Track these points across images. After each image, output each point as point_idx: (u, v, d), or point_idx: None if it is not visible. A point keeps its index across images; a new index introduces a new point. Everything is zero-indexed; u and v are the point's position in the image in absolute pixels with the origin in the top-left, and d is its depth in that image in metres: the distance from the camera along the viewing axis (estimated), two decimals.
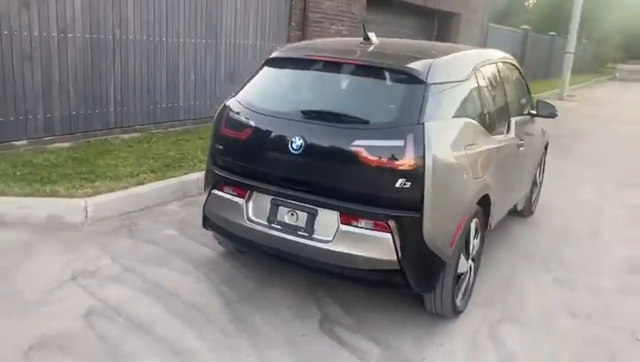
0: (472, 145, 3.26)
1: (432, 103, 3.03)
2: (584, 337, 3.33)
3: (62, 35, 5.78)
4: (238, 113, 3.37)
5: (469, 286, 3.49)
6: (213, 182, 3.44)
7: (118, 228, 4.34)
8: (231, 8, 7.80)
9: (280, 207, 3.18)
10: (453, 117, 3.22)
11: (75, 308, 3.15)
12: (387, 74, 3.15)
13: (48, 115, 5.82)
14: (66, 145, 5.96)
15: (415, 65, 3.10)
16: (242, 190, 3.29)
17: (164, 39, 6.91)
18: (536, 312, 3.58)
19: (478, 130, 3.41)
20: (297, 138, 3.04)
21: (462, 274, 3.32)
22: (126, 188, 4.80)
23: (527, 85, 4.87)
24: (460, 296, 3.36)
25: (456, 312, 3.34)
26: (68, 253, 3.86)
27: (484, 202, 3.46)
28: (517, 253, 4.56)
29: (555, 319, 3.52)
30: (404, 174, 2.86)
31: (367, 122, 3.03)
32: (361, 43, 3.60)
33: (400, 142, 2.87)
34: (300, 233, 3.10)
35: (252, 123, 3.28)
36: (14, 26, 5.36)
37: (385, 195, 2.91)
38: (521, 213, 5.32)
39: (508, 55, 4.54)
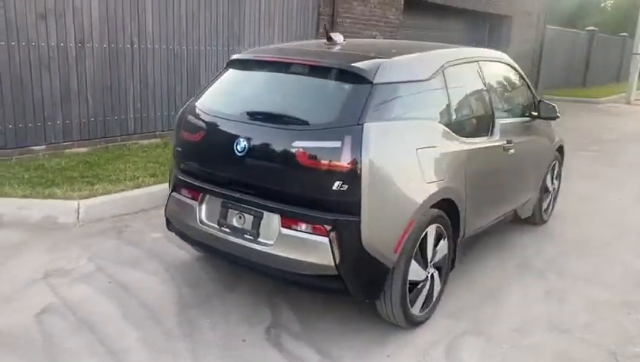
0: (427, 147, 3.10)
1: (377, 104, 2.92)
2: (554, 354, 3.08)
3: (79, 45, 6.04)
4: (194, 116, 3.38)
5: (432, 295, 3.31)
6: (173, 184, 3.46)
7: (107, 230, 4.46)
8: (254, 16, 7.88)
9: (229, 210, 3.15)
10: (406, 118, 3.08)
11: (33, 306, 3.24)
12: (334, 74, 3.05)
13: (67, 121, 6.08)
14: (83, 150, 6.22)
15: (362, 65, 2.99)
16: (196, 192, 3.29)
17: (183, 47, 7.08)
18: (510, 326, 3.35)
19: (440, 132, 3.25)
20: (242, 140, 3.01)
21: (419, 282, 3.16)
22: (122, 191, 4.93)
23: (529, 86, 4.60)
24: (419, 305, 3.19)
25: (413, 322, 3.17)
26: (51, 252, 4.00)
27: (448, 207, 3.29)
28: (514, 262, 4.30)
29: (529, 334, 3.27)
30: (341, 176, 2.76)
31: (307, 123, 2.95)
32: (325, 44, 3.54)
33: (337, 144, 2.78)
34: (247, 236, 3.06)
35: (204, 125, 3.29)
36: (32, 37, 5.65)
37: (323, 198, 2.82)
38: (532, 221, 5.03)
39: (499, 54, 4.30)
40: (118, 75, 6.48)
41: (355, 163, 2.74)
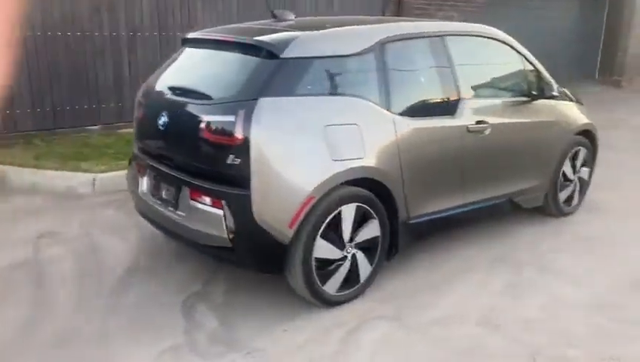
0: (341, 124, 3.03)
1: (285, 79, 2.93)
2: (462, 348, 2.87)
3: (131, 34, 6.59)
4: (142, 95, 3.62)
5: (357, 276, 3.21)
6: (128, 159, 3.74)
7: (113, 201, 4.86)
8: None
9: (160, 183, 3.35)
10: (322, 93, 3.05)
11: (9, 260, 3.70)
12: (248, 50, 3.11)
13: (120, 104, 6.69)
14: None
15: (270, 40, 3.02)
16: (139, 166, 3.53)
17: None
18: (437, 316, 3.16)
19: (365, 110, 3.15)
20: (163, 114, 3.18)
21: (333, 261, 3.10)
22: None
23: (531, 64, 4.20)
24: (335, 284, 3.13)
25: (327, 301, 3.13)
26: (56, 217, 4.48)
27: (379, 188, 3.18)
28: (493, 252, 3.98)
29: (451, 325, 3.07)
30: (234, 150, 2.83)
31: (211, 98, 3.04)
32: (272, 21, 3.57)
33: (231, 118, 2.84)
34: (170, 208, 3.24)
35: (145, 102, 3.52)
36: (86, 28, 6.29)
37: (220, 171, 2.91)
38: (547, 212, 4.61)
39: (487, 29, 3.96)
40: None
41: (246, 137, 2.79)
